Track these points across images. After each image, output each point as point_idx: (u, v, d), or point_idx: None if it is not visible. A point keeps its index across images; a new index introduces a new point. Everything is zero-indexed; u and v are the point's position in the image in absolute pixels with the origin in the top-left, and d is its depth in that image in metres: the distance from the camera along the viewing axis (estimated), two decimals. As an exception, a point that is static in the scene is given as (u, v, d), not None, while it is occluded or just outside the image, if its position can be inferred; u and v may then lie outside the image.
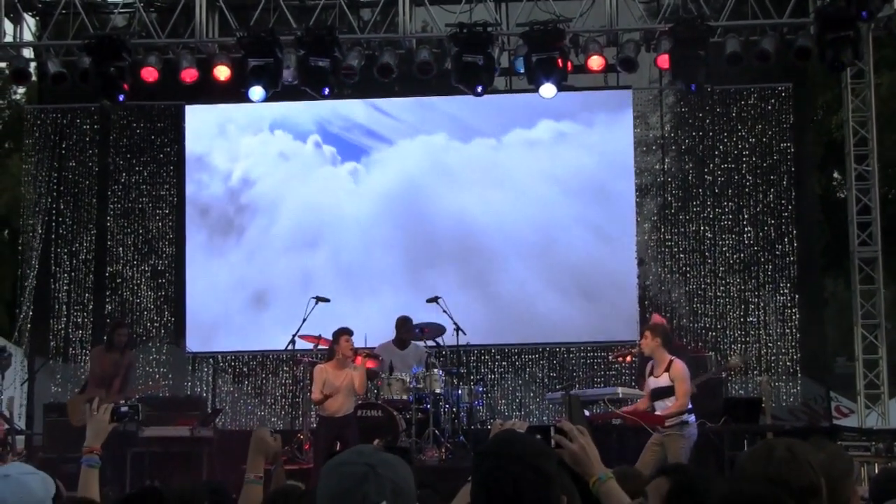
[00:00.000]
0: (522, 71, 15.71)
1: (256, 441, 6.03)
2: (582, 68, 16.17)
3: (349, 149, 18.39)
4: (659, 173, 18.09)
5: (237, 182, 18.49)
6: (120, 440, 13.76)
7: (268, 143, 18.50)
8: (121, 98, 15.65)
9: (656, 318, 14.84)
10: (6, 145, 28.60)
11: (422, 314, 15.95)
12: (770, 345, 17.41)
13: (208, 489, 6.27)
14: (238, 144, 18.53)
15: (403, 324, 15.86)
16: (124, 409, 6.23)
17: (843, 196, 20.25)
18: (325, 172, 18.36)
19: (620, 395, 13.45)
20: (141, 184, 18.39)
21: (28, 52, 17.14)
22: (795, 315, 17.42)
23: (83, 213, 18.38)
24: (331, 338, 14.27)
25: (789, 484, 3.99)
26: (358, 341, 14.27)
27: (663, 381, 12.21)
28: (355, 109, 18.40)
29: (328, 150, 18.39)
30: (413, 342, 15.93)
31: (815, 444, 4.40)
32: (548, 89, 15.34)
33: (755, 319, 17.53)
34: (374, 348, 15.77)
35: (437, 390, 15.04)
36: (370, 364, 15.06)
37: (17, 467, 4.77)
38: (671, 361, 12.25)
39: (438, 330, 15.65)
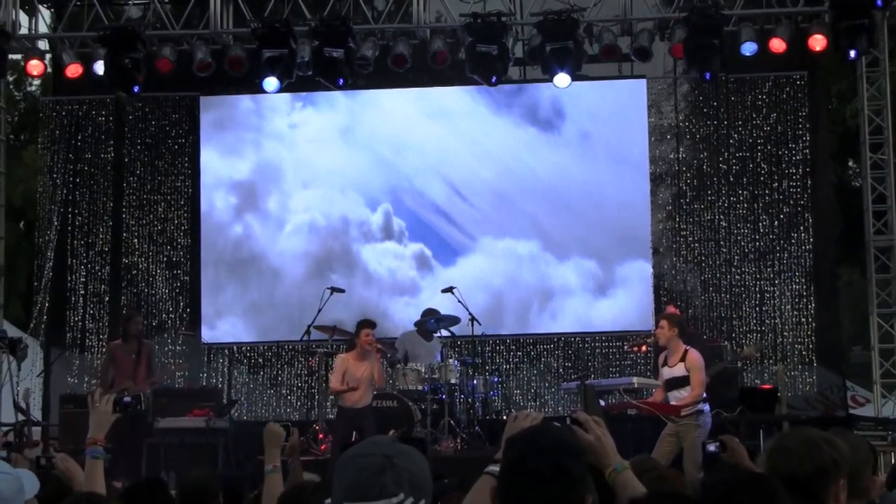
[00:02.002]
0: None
1: (269, 435, 6.36)
2: (596, 58, 16.15)
3: (421, 229, 17.86)
4: (673, 162, 18.04)
5: (289, 233, 18.09)
6: (135, 431, 13.80)
7: (334, 201, 18.06)
8: (136, 89, 15.71)
9: (671, 309, 14.85)
10: (22, 137, 28.65)
11: (437, 304, 15.97)
12: (785, 334, 17.38)
13: (223, 479, 6.32)
14: (301, 195, 18.19)
15: (428, 315, 15.84)
16: (127, 399, 6.27)
17: (857, 185, 20.19)
18: (388, 247, 17.95)
19: (636, 385, 13.43)
20: (156, 175, 18.42)
21: (43, 44, 17.18)
22: (811, 304, 17.38)
23: (99, 205, 18.42)
24: (354, 330, 14.31)
25: (806, 464, 4.01)
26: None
27: (678, 370, 12.19)
28: (433, 185, 17.90)
29: (398, 222, 18.01)
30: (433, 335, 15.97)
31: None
32: (562, 79, 15.35)
33: (770, 308, 17.51)
34: (396, 340, 15.82)
35: (453, 380, 15.05)
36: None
37: None
38: (686, 351, 12.23)
39: (453, 320, 15.65)
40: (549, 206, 17.68)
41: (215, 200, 18.28)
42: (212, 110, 18.42)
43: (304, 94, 17.91)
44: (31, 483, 4.82)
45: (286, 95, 17.70)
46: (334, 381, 14.07)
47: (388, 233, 17.90)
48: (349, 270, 17.77)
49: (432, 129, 18.03)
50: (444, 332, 15.81)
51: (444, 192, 17.91)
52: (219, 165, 18.33)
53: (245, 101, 18.35)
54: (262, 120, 18.35)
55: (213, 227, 18.27)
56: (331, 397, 14.48)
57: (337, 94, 17.74)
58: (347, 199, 18.02)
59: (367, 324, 14.09)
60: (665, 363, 12.40)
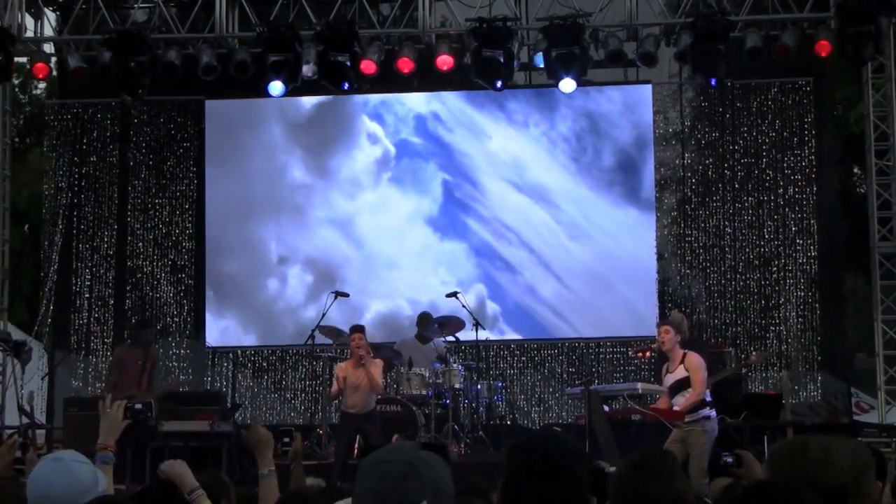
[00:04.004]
0: (542, 65, 15.75)
1: (255, 439, 6.39)
2: (601, 63, 16.15)
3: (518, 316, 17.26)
4: (678, 168, 18.05)
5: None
6: (140, 435, 13.79)
7: (398, 278, 17.84)
8: (141, 93, 15.72)
9: (676, 314, 14.82)
10: (27, 140, 28.66)
11: (441, 309, 15.97)
12: (790, 340, 17.36)
13: (227, 483, 6.31)
14: (383, 276, 17.96)
15: (424, 320, 15.85)
16: (138, 406, 6.28)
17: (862, 191, 20.16)
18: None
19: (640, 391, 13.39)
20: (161, 179, 18.43)
21: (48, 47, 17.19)
22: (816, 310, 17.36)
23: (104, 209, 18.43)
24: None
25: (820, 483, 4.01)
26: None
27: (679, 373, 12.19)
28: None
29: (491, 307, 17.57)
30: (434, 339, 15.93)
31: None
32: (567, 84, 15.35)
33: (775, 315, 17.48)
34: (395, 343, 15.79)
35: (457, 385, 15.03)
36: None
37: (69, 454, 4.96)
38: (685, 354, 12.26)
39: (457, 325, 15.63)
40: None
41: (289, 277, 18.15)
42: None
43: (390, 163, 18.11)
44: (103, 479, 5.01)
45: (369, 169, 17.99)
46: (332, 389, 14.10)
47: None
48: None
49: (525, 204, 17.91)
50: (449, 337, 15.80)
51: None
52: (292, 238, 18.20)
53: (295, 171, 18.24)
54: (333, 192, 18.25)
55: (284, 311, 18.13)
56: (335, 402, 14.48)
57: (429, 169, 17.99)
58: (436, 279, 17.68)
59: (354, 328, 14.02)
60: (667, 371, 12.41)
